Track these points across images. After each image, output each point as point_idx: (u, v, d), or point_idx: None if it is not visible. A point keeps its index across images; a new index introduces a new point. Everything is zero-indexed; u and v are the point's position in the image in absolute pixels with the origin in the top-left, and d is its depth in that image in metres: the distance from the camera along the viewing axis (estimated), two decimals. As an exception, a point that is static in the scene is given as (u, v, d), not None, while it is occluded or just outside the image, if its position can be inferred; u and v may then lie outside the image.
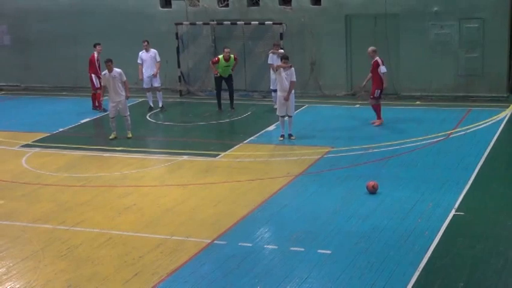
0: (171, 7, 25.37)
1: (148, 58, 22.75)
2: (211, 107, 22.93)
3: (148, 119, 21.87)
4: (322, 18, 23.71)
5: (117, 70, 19.26)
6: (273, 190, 15.04)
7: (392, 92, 23.11)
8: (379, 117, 20.00)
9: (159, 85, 22.99)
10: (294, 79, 18.47)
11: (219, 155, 17.89)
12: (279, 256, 12.03)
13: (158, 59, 22.90)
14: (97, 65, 22.56)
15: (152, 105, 22.93)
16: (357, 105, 22.56)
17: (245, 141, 18.93)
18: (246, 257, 11.90)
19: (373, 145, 17.85)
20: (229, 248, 12.25)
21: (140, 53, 22.85)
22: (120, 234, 13.10)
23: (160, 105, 22.94)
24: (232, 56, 21.91)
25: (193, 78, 25.48)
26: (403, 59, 22.97)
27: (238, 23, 24.28)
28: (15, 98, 26.17)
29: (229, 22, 24.36)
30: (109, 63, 19.14)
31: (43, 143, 19.67)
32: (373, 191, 14.55)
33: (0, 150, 19.19)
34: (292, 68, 18.52)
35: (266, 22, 23.93)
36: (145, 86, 22.89)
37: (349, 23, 23.63)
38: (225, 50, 21.93)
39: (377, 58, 19.72)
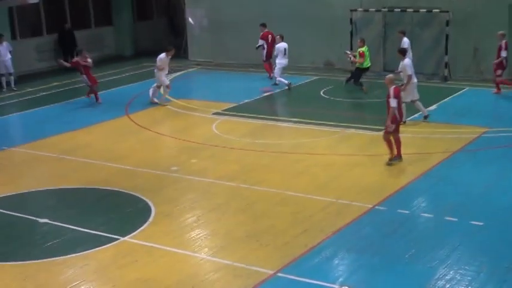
0: (347, -5, 25.24)
1: (280, 48, 22.78)
2: (377, 87, 22.65)
3: (322, 95, 21.92)
4: (486, 7, 22.72)
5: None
6: (431, 164, 14.73)
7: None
8: None
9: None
10: (409, 73, 17.59)
11: (383, 129, 17.66)
12: (433, 224, 11.84)
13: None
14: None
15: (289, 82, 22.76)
16: (517, 90, 21.55)
17: (408, 119, 18.55)
18: (404, 222, 11.79)
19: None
20: (389, 214, 12.18)
21: (277, 45, 22.89)
22: (293, 195, 13.32)
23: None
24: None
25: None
26: None
27: (407, 10, 23.76)
28: (209, 73, 26.96)
29: (399, 9, 23.89)
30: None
31: (231, 112, 20.18)
32: None
33: (196, 117, 19.91)
34: (404, 62, 17.74)
35: (433, 10, 23.26)
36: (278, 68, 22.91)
37: (512, 12, 22.54)
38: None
39: None
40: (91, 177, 14.83)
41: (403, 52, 18.22)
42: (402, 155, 14.93)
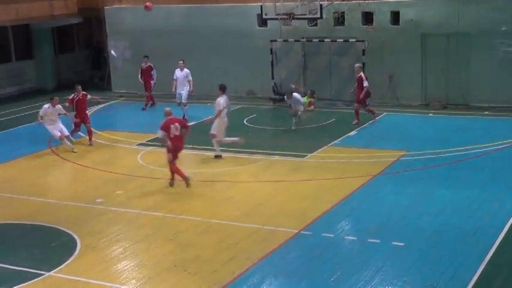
0: (267, 26, 25.47)
1: (180, 76, 22.66)
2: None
3: (246, 123, 21.98)
4: (400, 36, 23.36)
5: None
6: (353, 188, 14.92)
7: (462, 103, 22.60)
8: None
9: (185, 101, 22.66)
10: (220, 108, 17.71)
11: (306, 155, 17.85)
12: (357, 246, 11.94)
13: (190, 78, 22.67)
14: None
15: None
16: (430, 114, 22.12)
17: (329, 144, 18.83)
18: (329, 246, 11.85)
19: (444, 150, 17.48)
20: (314, 238, 12.23)
21: (176, 70, 22.82)
22: (219, 222, 13.25)
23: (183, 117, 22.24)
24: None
25: (285, 88, 25.44)
26: (473, 73, 22.44)
27: (325, 40, 24.20)
28: (133, 104, 26.60)
29: (317, 39, 24.31)
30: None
31: (155, 142, 19.89)
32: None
33: (120, 148, 19.65)
34: (217, 99, 17.85)
35: (350, 40, 23.77)
36: (177, 99, 22.80)
37: (424, 41, 23.20)
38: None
39: None
40: (14, 212, 14.36)
41: (221, 89, 18.05)
42: (324, 180, 15.02)
